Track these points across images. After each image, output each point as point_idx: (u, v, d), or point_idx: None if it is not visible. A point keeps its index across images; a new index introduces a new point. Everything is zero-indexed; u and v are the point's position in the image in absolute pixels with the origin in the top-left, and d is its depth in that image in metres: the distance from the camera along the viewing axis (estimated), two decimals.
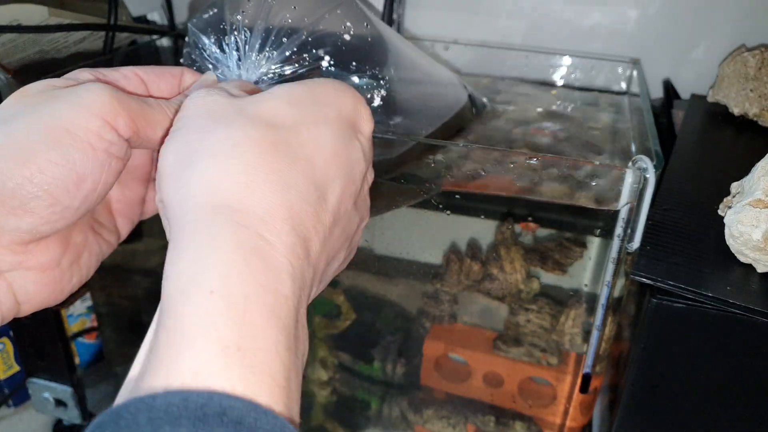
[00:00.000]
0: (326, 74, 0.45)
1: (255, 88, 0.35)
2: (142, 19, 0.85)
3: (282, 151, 0.28)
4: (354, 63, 0.46)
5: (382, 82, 0.48)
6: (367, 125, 0.34)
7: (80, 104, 0.29)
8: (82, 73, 0.33)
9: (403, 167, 0.53)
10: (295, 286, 0.26)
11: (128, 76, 0.35)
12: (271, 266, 0.25)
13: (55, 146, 0.28)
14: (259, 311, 0.24)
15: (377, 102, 0.48)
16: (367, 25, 0.48)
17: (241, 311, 0.23)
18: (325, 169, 0.29)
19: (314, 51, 0.44)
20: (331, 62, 0.45)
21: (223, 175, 0.27)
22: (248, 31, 0.42)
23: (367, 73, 0.47)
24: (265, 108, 0.29)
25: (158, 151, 0.35)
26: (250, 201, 0.26)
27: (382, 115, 0.49)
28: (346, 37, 0.46)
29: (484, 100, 0.67)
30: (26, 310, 0.32)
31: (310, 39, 0.44)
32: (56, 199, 0.28)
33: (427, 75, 0.57)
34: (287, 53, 0.43)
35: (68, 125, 0.28)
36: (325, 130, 0.30)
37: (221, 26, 0.43)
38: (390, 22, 0.79)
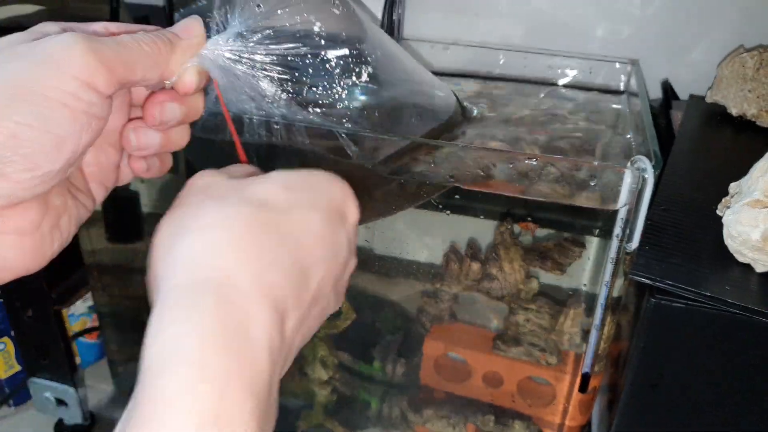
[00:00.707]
0: (315, 42, 0.45)
1: (256, 170, 0.36)
2: (144, 20, 0.85)
3: (272, 230, 0.29)
4: (341, 35, 0.47)
5: (369, 59, 0.48)
6: (353, 216, 0.35)
7: (50, 63, 0.27)
8: (48, 26, 0.31)
9: (400, 167, 0.54)
10: (271, 361, 0.27)
11: (99, 32, 0.32)
12: (250, 341, 0.26)
13: (25, 108, 0.26)
14: (238, 384, 0.24)
15: (365, 77, 0.48)
16: (353, 18, 0.49)
17: (221, 384, 0.24)
18: (311, 252, 0.30)
19: (305, 15, 0.44)
20: (322, 29, 0.45)
21: (211, 249, 0.27)
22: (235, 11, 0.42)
23: (356, 46, 0.47)
24: (259, 189, 0.30)
25: (144, 105, 0.35)
26: (235, 275, 0.27)
27: (371, 94, 0.49)
28: (335, 11, 0.47)
29: (473, 108, 0.67)
30: (5, 277, 0.31)
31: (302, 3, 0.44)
32: (35, 164, 0.27)
33: (418, 76, 0.57)
34: (278, 11, 0.42)
35: (38, 86, 0.27)
36: (315, 215, 0.31)
37: (207, 15, 0.43)
38: (390, 23, 0.79)
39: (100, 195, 0.36)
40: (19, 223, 0.30)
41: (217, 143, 0.55)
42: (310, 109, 0.47)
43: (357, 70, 0.48)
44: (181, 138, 0.38)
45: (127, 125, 0.36)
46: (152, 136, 0.36)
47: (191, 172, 0.71)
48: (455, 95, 0.63)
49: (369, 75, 0.49)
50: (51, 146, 0.27)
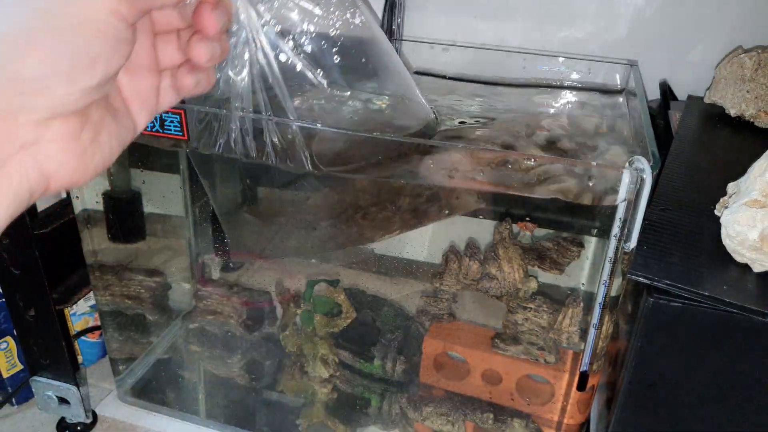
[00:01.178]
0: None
1: None
2: None
3: None
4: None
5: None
6: None
7: None
8: None
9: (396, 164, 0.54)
10: None
11: None
12: None
13: (61, 32, 0.29)
14: None
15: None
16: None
17: None
18: None
19: None
20: None
21: None
22: None
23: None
24: None
25: (198, 19, 0.37)
26: None
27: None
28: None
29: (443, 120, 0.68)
30: (54, 186, 0.33)
31: None
32: (73, 80, 0.30)
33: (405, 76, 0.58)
34: None
35: (72, 15, 0.30)
36: None
37: None
38: (390, 24, 0.79)
39: (142, 119, 0.38)
40: (61, 131, 0.32)
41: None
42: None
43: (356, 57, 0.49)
44: (227, 44, 0.40)
45: (192, 40, 0.38)
46: (215, 45, 0.38)
47: (192, 172, 0.71)
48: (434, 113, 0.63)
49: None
50: (85, 65, 0.30)
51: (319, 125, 0.52)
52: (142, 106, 0.38)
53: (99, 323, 0.83)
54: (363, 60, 0.53)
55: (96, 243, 0.72)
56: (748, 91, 0.65)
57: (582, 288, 0.62)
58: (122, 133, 0.36)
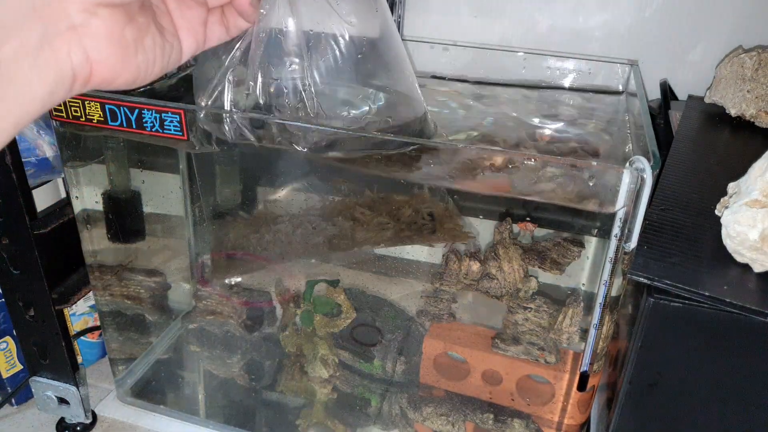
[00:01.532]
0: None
1: None
2: None
3: None
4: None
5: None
6: None
7: None
8: None
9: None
10: None
11: None
12: None
13: None
14: None
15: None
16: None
17: None
18: None
19: None
20: None
21: None
22: None
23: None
24: None
25: None
26: None
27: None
28: None
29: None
30: (98, 76, 0.34)
31: None
32: None
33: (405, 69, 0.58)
34: None
35: None
36: None
37: None
38: None
39: (189, 45, 0.41)
40: (106, 22, 0.34)
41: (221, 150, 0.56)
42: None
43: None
44: None
45: None
46: None
47: (192, 173, 0.71)
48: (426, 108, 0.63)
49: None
50: None
51: (313, 125, 0.52)
52: (189, 33, 0.41)
53: (99, 323, 0.83)
54: (376, 53, 0.53)
55: (96, 243, 0.72)
56: (748, 91, 0.65)
57: (582, 288, 0.62)
58: (167, 48, 0.39)
